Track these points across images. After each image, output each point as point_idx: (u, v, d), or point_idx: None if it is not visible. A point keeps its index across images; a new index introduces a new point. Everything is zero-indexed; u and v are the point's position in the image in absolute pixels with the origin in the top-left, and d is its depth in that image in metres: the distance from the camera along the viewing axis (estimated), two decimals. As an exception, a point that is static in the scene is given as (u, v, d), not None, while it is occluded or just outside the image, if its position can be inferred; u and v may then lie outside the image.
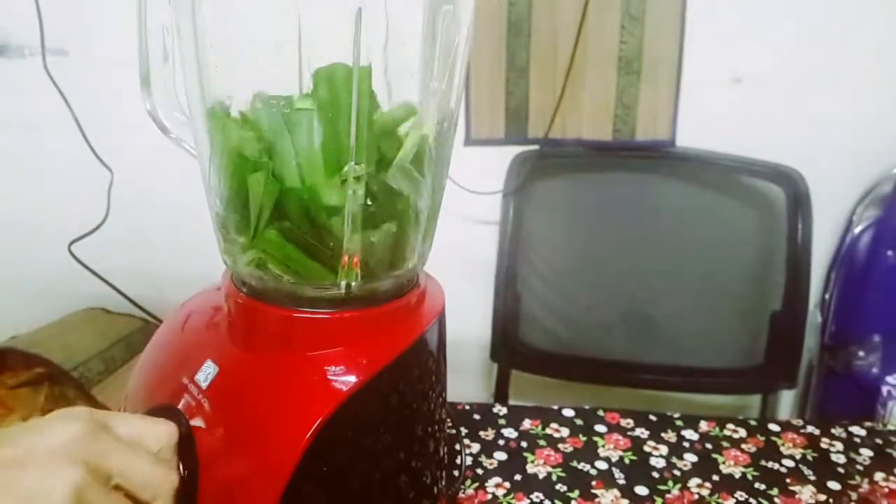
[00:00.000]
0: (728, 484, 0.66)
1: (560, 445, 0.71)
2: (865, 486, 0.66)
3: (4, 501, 0.33)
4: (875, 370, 1.05)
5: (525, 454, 0.69)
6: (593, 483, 0.65)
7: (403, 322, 0.49)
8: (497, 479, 0.66)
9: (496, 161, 1.11)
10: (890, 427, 0.75)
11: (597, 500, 0.63)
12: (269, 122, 0.44)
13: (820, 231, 1.07)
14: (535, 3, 1.06)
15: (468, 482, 0.65)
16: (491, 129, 1.13)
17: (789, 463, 0.69)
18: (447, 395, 0.55)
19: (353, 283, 0.46)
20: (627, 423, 0.75)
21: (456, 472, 0.65)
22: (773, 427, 0.75)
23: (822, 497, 0.64)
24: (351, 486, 0.46)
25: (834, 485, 0.66)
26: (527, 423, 0.74)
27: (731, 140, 1.09)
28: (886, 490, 0.65)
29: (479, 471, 0.67)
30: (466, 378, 1.21)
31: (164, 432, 0.41)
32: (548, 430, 0.73)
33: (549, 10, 1.07)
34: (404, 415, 0.48)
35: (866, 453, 0.70)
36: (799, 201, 1.06)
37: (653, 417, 0.76)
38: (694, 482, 0.66)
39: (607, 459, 0.69)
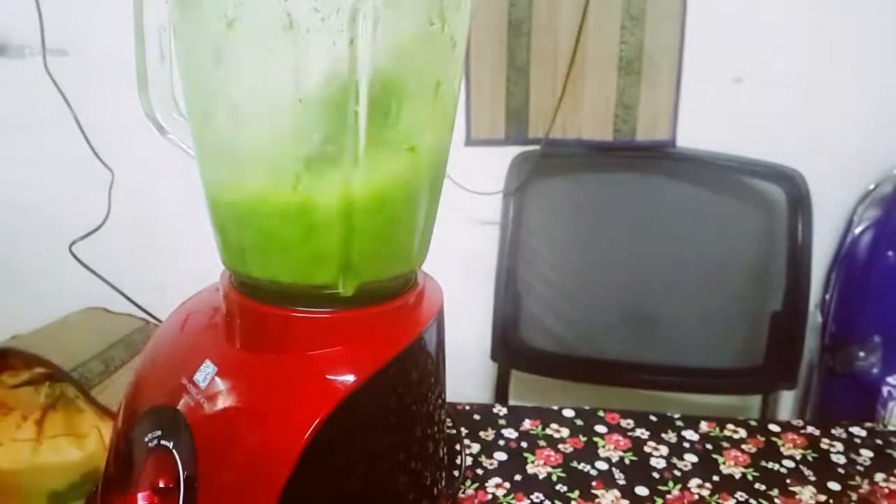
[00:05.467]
0: (728, 484, 0.66)
1: (560, 446, 0.71)
2: (865, 487, 0.65)
3: None
4: (875, 371, 1.05)
5: (525, 454, 0.69)
6: (593, 483, 0.65)
7: (401, 322, 0.49)
8: (497, 480, 0.66)
9: (496, 161, 1.11)
10: (890, 428, 0.75)
11: (597, 500, 0.63)
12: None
13: (820, 231, 1.07)
14: (536, 3, 1.06)
15: (468, 482, 0.65)
16: (491, 130, 1.13)
17: (789, 463, 0.69)
18: (447, 395, 0.55)
19: (350, 283, 0.46)
20: (628, 423, 0.75)
21: (456, 473, 0.64)
22: (774, 427, 0.75)
23: (823, 498, 0.64)
24: (350, 486, 0.46)
25: (834, 485, 0.66)
26: (527, 424, 0.74)
27: (732, 140, 1.09)
28: (886, 491, 0.65)
29: (480, 471, 0.67)
30: (466, 378, 1.21)
31: None
32: (548, 431, 0.73)
33: (549, 10, 1.07)
34: (403, 415, 0.48)
35: (866, 454, 0.70)
36: (799, 202, 1.06)
37: (653, 418, 0.76)
38: (694, 483, 0.66)
39: (607, 460, 0.69)
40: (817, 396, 1.14)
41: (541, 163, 1.10)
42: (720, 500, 0.63)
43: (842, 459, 0.70)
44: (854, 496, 0.64)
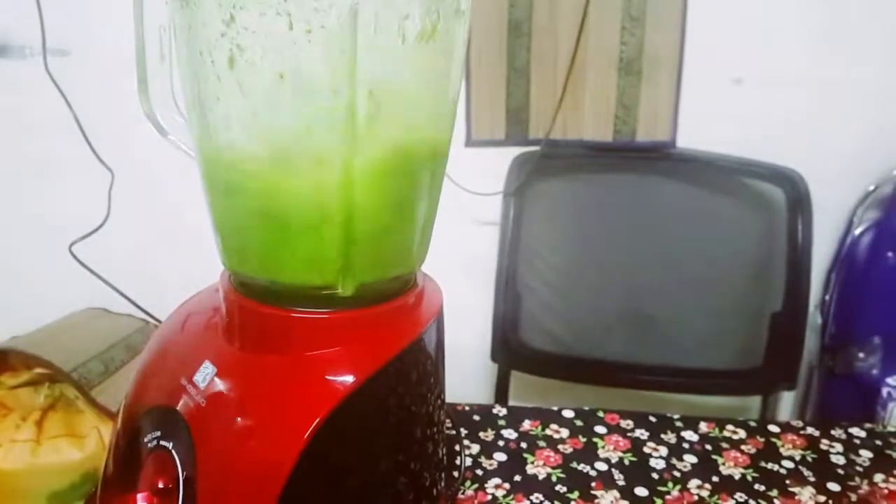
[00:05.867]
0: (728, 485, 0.66)
1: (560, 446, 0.71)
2: (865, 488, 0.65)
3: None
4: (875, 372, 1.04)
5: (525, 455, 0.69)
6: (593, 484, 0.65)
7: (401, 322, 0.49)
8: (497, 480, 0.66)
9: (496, 162, 1.11)
10: (889, 428, 0.75)
11: (596, 501, 0.63)
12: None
13: (820, 232, 1.07)
14: (536, 4, 1.06)
15: (468, 483, 0.65)
16: (491, 130, 1.13)
17: (789, 464, 0.69)
18: (447, 395, 0.55)
19: (350, 284, 0.46)
20: (627, 424, 0.75)
21: (455, 473, 0.65)
22: (773, 428, 0.75)
23: (822, 498, 0.64)
24: (349, 486, 0.46)
25: (833, 486, 0.66)
26: (526, 424, 0.74)
27: (732, 141, 1.09)
28: (886, 491, 0.65)
29: (479, 472, 0.67)
30: (466, 379, 1.20)
31: None
32: (547, 431, 0.73)
33: (549, 10, 1.07)
34: (402, 416, 0.48)
35: (866, 455, 0.70)
36: (799, 203, 1.05)
37: (652, 418, 0.76)
38: (694, 483, 0.66)
39: (607, 460, 0.69)
40: (817, 397, 1.14)
41: (541, 163, 1.10)
42: (719, 501, 0.63)
43: (841, 460, 0.70)
44: (853, 497, 0.64)
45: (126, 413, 0.51)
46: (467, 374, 1.20)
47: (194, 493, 0.44)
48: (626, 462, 0.69)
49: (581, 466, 0.68)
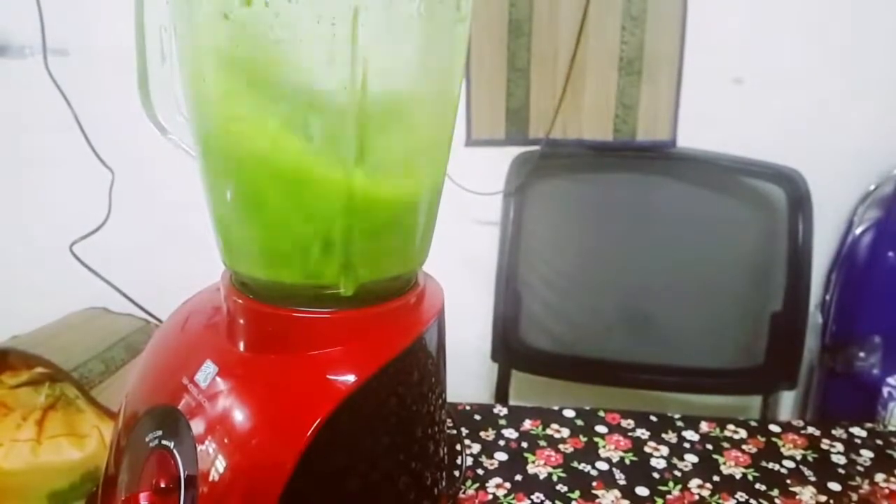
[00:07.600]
0: (728, 485, 0.66)
1: (561, 446, 0.71)
2: (866, 487, 0.65)
3: None
4: (875, 371, 1.05)
5: (526, 455, 0.69)
6: (594, 484, 0.65)
7: (402, 322, 0.49)
8: (498, 480, 0.66)
9: (496, 161, 1.11)
10: (890, 428, 0.75)
11: (597, 500, 0.63)
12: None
13: (821, 232, 1.07)
14: (536, 4, 1.06)
15: (469, 483, 0.65)
16: (491, 130, 1.13)
17: (790, 464, 0.69)
18: (447, 395, 0.55)
19: (351, 283, 0.46)
20: (628, 423, 0.75)
21: (456, 473, 0.65)
22: (774, 428, 0.75)
23: (823, 498, 0.64)
24: (350, 486, 0.46)
25: (834, 486, 0.66)
26: (527, 424, 0.74)
27: (732, 140, 1.09)
28: (887, 491, 0.65)
29: (480, 471, 0.67)
30: (467, 378, 1.20)
31: None
32: (548, 431, 0.73)
33: (549, 10, 1.07)
34: (404, 415, 0.48)
35: (867, 454, 0.70)
36: (800, 202, 1.06)
37: (653, 418, 0.76)
38: (694, 483, 0.66)
39: (608, 460, 0.69)
40: (817, 397, 1.14)
41: (541, 163, 1.10)
42: (720, 501, 0.63)
43: (842, 460, 0.70)
44: (854, 496, 0.64)
45: (127, 412, 0.51)
46: (468, 374, 1.20)
47: (195, 492, 0.44)
48: (627, 461, 0.69)
49: (582, 466, 0.68)
